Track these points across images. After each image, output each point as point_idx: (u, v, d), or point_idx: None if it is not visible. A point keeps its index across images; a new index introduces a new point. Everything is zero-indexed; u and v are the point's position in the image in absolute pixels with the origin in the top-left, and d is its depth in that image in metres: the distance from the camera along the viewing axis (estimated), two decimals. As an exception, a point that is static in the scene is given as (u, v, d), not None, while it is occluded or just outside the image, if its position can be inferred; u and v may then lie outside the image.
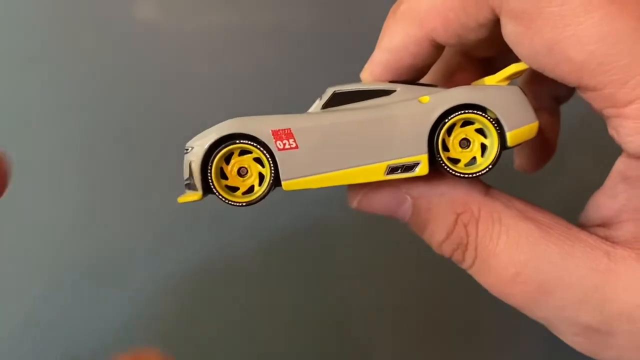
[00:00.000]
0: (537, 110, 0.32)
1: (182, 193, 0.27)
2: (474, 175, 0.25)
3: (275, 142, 0.25)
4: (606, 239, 0.24)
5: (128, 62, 0.50)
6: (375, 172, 0.25)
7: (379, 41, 0.28)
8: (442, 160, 0.25)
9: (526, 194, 0.31)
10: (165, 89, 0.50)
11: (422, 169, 0.25)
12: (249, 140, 0.25)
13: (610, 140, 0.25)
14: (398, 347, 0.51)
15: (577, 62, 0.23)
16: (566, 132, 0.35)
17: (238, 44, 0.51)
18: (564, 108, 0.34)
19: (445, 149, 0.26)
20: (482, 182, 0.27)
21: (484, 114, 0.25)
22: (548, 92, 0.33)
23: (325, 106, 0.27)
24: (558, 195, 0.35)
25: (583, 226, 0.26)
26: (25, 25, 0.49)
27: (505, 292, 0.25)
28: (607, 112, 0.24)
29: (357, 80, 0.29)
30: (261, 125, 0.25)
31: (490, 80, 0.27)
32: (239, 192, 0.26)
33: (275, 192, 0.26)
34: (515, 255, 0.25)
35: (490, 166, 0.26)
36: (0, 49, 0.48)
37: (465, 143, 0.26)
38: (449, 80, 0.32)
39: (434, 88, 0.27)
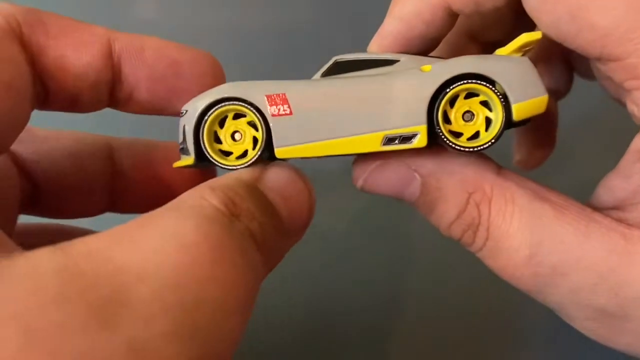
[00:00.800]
0: None
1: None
2: (474, 149, 0.24)
3: (270, 107, 0.24)
4: (620, 221, 0.23)
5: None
6: (372, 142, 0.24)
7: (389, 10, 0.27)
8: (441, 132, 0.24)
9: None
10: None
11: (421, 141, 0.24)
12: (243, 102, 0.24)
13: (616, 133, 0.25)
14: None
15: (602, 29, 0.22)
16: (569, 124, 0.35)
17: (238, 44, 0.50)
18: (567, 102, 0.34)
19: (448, 121, 0.24)
20: (493, 162, 0.26)
21: (488, 85, 0.24)
22: (546, 85, 0.32)
23: (325, 74, 0.25)
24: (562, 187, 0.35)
25: (595, 209, 0.25)
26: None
27: (517, 275, 0.24)
28: (629, 84, 0.23)
29: None
30: (256, 89, 0.24)
31: (500, 52, 0.25)
32: (232, 157, 0.25)
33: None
34: (529, 235, 0.23)
35: (492, 140, 0.24)
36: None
37: (468, 116, 0.25)
38: None
39: (436, 58, 0.26)
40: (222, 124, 0.25)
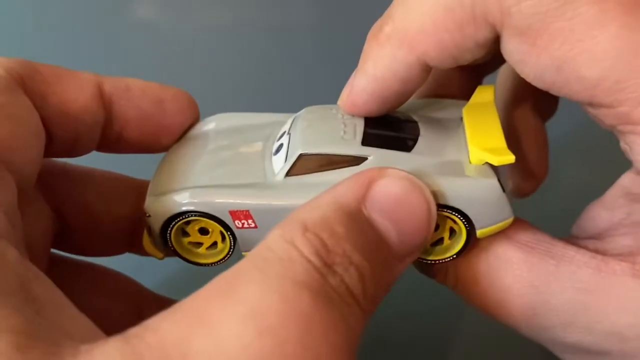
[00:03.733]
0: (524, 131, 0.31)
1: None
2: (436, 262, 0.24)
3: (234, 221, 0.23)
4: (596, 251, 0.23)
5: (128, 61, 0.50)
6: None
7: (360, 66, 0.25)
8: None
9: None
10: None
11: None
12: (205, 216, 0.24)
13: (603, 149, 0.25)
14: None
15: (591, 80, 0.21)
16: (556, 141, 0.35)
17: (238, 44, 0.51)
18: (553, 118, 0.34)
19: None
20: None
21: (454, 213, 0.23)
22: (532, 111, 0.31)
23: (289, 172, 0.24)
24: (551, 202, 0.35)
25: (575, 238, 0.25)
26: (25, 26, 0.50)
27: (491, 315, 0.24)
28: (621, 128, 0.22)
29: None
30: (218, 204, 0.23)
31: (473, 153, 0.24)
32: (202, 248, 0.25)
33: None
34: (496, 281, 0.23)
35: (454, 255, 0.24)
36: (1, 49, 0.48)
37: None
38: (439, 93, 0.29)
39: (410, 154, 0.24)
40: (188, 221, 0.24)
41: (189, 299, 0.17)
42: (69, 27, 0.50)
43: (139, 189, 0.29)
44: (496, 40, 0.23)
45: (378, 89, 0.25)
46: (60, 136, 0.25)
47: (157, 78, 0.50)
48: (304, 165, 0.24)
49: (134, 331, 0.16)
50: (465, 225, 0.23)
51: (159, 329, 0.16)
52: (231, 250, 0.24)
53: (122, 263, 0.30)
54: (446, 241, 0.24)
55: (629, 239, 0.23)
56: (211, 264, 0.25)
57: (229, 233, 0.24)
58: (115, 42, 0.50)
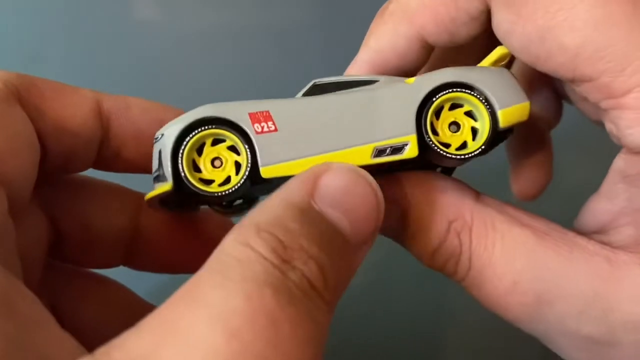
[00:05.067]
0: (529, 138, 0.32)
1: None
2: (466, 156, 0.24)
3: (253, 124, 0.23)
4: (605, 245, 0.23)
5: (127, 62, 0.49)
6: (362, 154, 0.23)
7: (365, 41, 0.27)
8: (431, 140, 0.24)
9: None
10: (164, 88, 0.49)
11: (412, 150, 0.24)
12: (223, 124, 0.23)
13: (605, 147, 0.24)
14: None
15: (571, 49, 0.22)
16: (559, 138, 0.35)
17: (238, 44, 0.51)
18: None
19: (435, 133, 0.24)
20: (471, 188, 0.25)
21: (473, 93, 0.24)
22: (537, 119, 0.32)
23: (306, 95, 0.25)
24: (551, 202, 0.35)
25: (579, 233, 0.24)
26: (25, 25, 0.50)
27: (502, 305, 0.23)
28: (605, 103, 0.23)
29: None
30: (237, 109, 0.23)
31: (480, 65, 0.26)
32: (214, 184, 0.24)
33: None
34: (511, 263, 0.23)
35: (482, 146, 0.24)
36: (1, 49, 0.48)
37: (454, 127, 0.25)
38: None
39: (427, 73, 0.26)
40: (199, 151, 0.24)
41: (154, 312, 0.17)
42: (69, 27, 0.50)
43: (138, 200, 0.29)
44: (488, 17, 0.24)
45: (378, 62, 0.26)
46: (55, 151, 0.24)
47: (156, 78, 0.50)
48: (319, 90, 0.25)
49: (102, 349, 0.16)
50: (485, 106, 0.24)
51: (124, 345, 0.16)
52: (248, 167, 0.23)
53: (117, 272, 0.30)
54: (470, 143, 0.24)
55: (632, 229, 0.23)
56: (222, 192, 0.23)
57: (246, 147, 0.23)
58: (115, 42, 0.50)
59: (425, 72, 0.28)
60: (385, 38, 0.26)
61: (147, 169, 0.26)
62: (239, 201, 0.28)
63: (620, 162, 0.24)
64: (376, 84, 0.25)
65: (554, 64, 0.23)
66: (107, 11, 0.50)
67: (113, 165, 0.27)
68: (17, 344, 0.16)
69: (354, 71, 0.27)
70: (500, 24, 0.24)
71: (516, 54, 0.24)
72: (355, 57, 0.27)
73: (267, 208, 0.20)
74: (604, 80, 0.22)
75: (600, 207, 0.24)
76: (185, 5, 0.51)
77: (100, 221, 0.28)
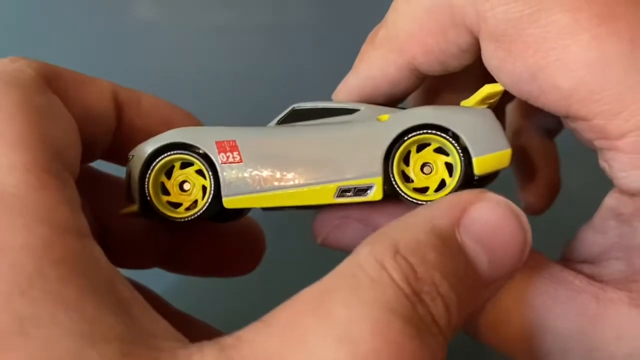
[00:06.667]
0: (534, 149, 0.31)
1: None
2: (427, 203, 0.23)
3: (219, 153, 0.23)
4: (593, 277, 0.22)
5: (127, 62, 0.50)
6: (324, 193, 0.23)
7: (355, 66, 0.26)
8: (396, 183, 0.23)
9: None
10: (165, 89, 0.50)
11: (376, 194, 0.23)
12: (190, 150, 0.23)
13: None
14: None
15: (565, 90, 0.21)
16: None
17: (238, 44, 0.51)
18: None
19: (408, 180, 0.23)
20: None
21: (445, 136, 0.23)
22: (539, 125, 0.31)
23: (281, 122, 0.25)
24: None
25: (568, 261, 0.24)
26: (25, 25, 0.50)
27: (487, 339, 0.23)
28: (599, 143, 0.22)
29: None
30: (205, 136, 0.23)
31: (464, 104, 0.24)
32: (181, 208, 0.24)
33: None
34: (496, 301, 0.22)
35: (455, 189, 0.23)
36: (1, 49, 0.49)
37: (428, 169, 0.24)
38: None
39: (397, 109, 0.25)
40: (169, 174, 0.24)
41: (279, 310, 0.17)
42: (69, 27, 0.50)
43: None
44: (480, 47, 0.23)
45: (369, 89, 0.25)
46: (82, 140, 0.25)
47: (156, 78, 0.50)
48: (297, 116, 0.24)
49: (228, 342, 0.16)
50: (458, 152, 0.23)
51: (253, 341, 0.16)
52: (211, 195, 0.23)
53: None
54: (448, 180, 0.23)
55: (622, 264, 0.22)
56: (185, 217, 0.24)
57: (211, 175, 0.23)
58: (115, 42, 0.50)
59: (417, 97, 0.29)
60: (376, 66, 0.25)
61: None
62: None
63: (612, 200, 0.23)
64: (356, 113, 0.24)
65: (547, 101, 0.22)
66: (107, 11, 0.50)
67: (119, 157, 0.27)
68: (133, 328, 0.16)
69: (343, 95, 0.26)
70: (490, 60, 0.23)
71: (507, 89, 0.23)
72: (345, 79, 0.26)
73: (410, 226, 0.19)
74: (599, 122, 0.21)
75: (591, 239, 0.24)
76: (186, 5, 0.51)
77: (142, 222, 0.28)
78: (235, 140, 0.23)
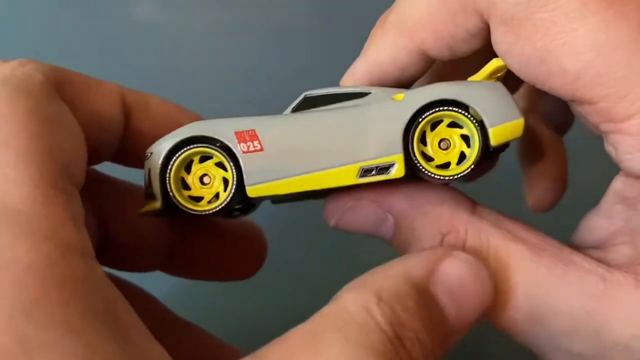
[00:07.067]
0: (542, 146, 0.31)
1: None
2: (453, 178, 0.23)
3: (239, 143, 0.23)
4: (600, 261, 0.23)
5: (128, 62, 0.50)
6: (347, 174, 0.23)
7: (364, 50, 0.26)
8: (417, 161, 0.23)
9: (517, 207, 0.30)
10: (165, 89, 0.50)
11: (398, 171, 0.23)
12: (209, 143, 0.23)
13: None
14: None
15: (572, 73, 0.21)
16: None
17: (238, 44, 0.51)
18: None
19: (428, 159, 0.24)
20: (469, 199, 0.25)
21: (461, 111, 0.24)
22: (549, 126, 0.31)
23: (295, 109, 0.25)
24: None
25: (576, 247, 0.24)
26: (25, 25, 0.50)
27: (495, 319, 0.23)
28: (604, 127, 0.22)
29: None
30: (223, 127, 0.23)
31: (472, 79, 0.25)
32: (204, 202, 0.24)
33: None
34: (504, 279, 0.23)
35: (472, 166, 0.24)
36: (1, 49, 0.48)
37: (445, 144, 0.24)
38: None
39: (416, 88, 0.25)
40: (188, 168, 0.24)
41: (272, 347, 0.18)
42: (68, 27, 0.50)
43: None
44: (489, 32, 0.24)
45: (377, 73, 0.26)
46: (87, 143, 0.24)
47: (156, 78, 0.50)
48: (310, 103, 0.25)
49: None
50: (475, 125, 0.23)
51: None
52: (234, 186, 0.23)
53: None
54: (453, 165, 0.24)
55: (629, 248, 0.23)
56: (210, 210, 0.24)
57: (232, 166, 0.23)
58: (115, 42, 0.50)
59: (424, 82, 0.28)
60: (385, 50, 0.25)
61: None
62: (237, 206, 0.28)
63: (618, 184, 0.24)
64: (368, 96, 0.25)
65: (554, 85, 0.22)
66: (108, 11, 0.50)
67: (128, 160, 0.27)
68: (129, 352, 0.17)
69: (351, 80, 0.27)
70: (499, 44, 0.23)
71: (515, 73, 0.24)
72: (353, 64, 0.27)
73: (389, 276, 0.21)
74: (604, 105, 0.21)
75: (598, 224, 0.24)
76: (186, 5, 0.51)
77: (145, 225, 0.28)
78: (254, 130, 0.23)
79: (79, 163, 0.21)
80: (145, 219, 0.28)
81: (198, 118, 0.27)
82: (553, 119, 0.31)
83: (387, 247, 0.26)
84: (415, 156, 0.24)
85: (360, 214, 0.25)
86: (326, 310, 0.19)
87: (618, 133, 0.22)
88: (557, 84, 0.22)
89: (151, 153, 0.24)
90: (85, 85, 0.24)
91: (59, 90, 0.22)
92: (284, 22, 0.51)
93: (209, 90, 0.51)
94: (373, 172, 0.23)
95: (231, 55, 0.51)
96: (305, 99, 0.25)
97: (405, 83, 0.26)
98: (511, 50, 0.23)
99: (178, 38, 0.51)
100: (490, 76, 0.24)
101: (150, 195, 0.24)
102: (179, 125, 0.25)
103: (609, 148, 0.23)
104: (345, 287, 0.21)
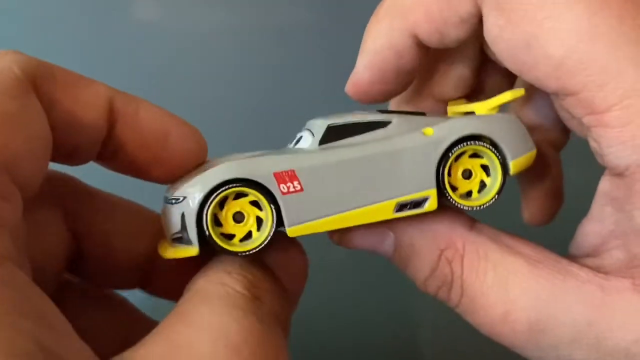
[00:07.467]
0: (538, 162, 0.31)
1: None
2: (480, 207, 0.25)
3: (279, 185, 0.23)
4: (597, 269, 0.23)
5: (128, 62, 0.50)
6: (384, 210, 0.24)
7: (362, 44, 0.27)
8: (449, 194, 0.25)
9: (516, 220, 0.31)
10: (165, 89, 0.49)
11: (431, 204, 0.24)
12: (248, 184, 0.23)
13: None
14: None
15: (555, 59, 0.22)
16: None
17: (238, 44, 0.50)
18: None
19: (454, 189, 0.25)
20: (466, 216, 0.26)
21: (487, 145, 0.25)
22: (545, 142, 0.31)
23: (322, 142, 0.25)
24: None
25: (574, 257, 0.25)
26: (25, 25, 0.49)
27: (496, 332, 0.24)
28: (587, 120, 0.23)
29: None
30: (261, 168, 0.23)
31: (480, 108, 0.27)
32: (235, 239, 0.24)
33: None
34: (503, 293, 0.23)
35: (496, 196, 0.25)
36: (1, 49, 0.48)
37: (466, 173, 0.26)
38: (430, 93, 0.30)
39: (426, 117, 0.26)
40: (221, 204, 0.23)
41: (154, 331, 0.19)
42: (69, 27, 0.50)
43: (157, 224, 0.27)
44: (478, 23, 0.24)
45: (377, 64, 0.26)
46: (62, 144, 0.23)
47: (156, 77, 0.50)
48: (334, 134, 0.25)
49: (125, 355, 0.18)
50: (497, 157, 0.25)
51: (145, 354, 0.18)
52: (273, 227, 0.23)
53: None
54: (475, 194, 0.26)
55: (622, 252, 0.23)
56: (248, 251, 0.23)
57: (272, 207, 0.23)
58: (115, 42, 0.49)
59: (418, 84, 0.30)
60: (381, 37, 0.26)
61: (140, 175, 0.26)
62: None
63: (605, 184, 0.24)
64: (389, 126, 0.25)
65: (539, 73, 0.23)
66: (108, 11, 0.49)
67: (111, 163, 0.26)
68: (48, 352, 0.16)
69: (354, 81, 0.27)
70: (490, 29, 0.24)
71: (503, 61, 0.24)
72: (355, 68, 0.27)
73: (225, 261, 0.23)
74: (586, 95, 0.22)
75: (590, 230, 0.25)
76: (186, 5, 0.50)
77: (121, 243, 0.28)
78: (293, 170, 0.23)
79: (31, 164, 0.20)
80: (120, 238, 0.27)
81: (188, 128, 0.26)
82: (549, 136, 0.31)
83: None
84: (446, 189, 0.25)
85: (362, 231, 0.26)
86: (182, 300, 0.21)
87: (600, 126, 0.22)
88: (542, 71, 0.23)
89: (183, 197, 0.23)
90: (70, 84, 0.23)
91: (39, 86, 0.22)
92: (284, 23, 0.50)
93: (209, 90, 0.50)
94: (408, 207, 0.24)
95: (231, 56, 0.51)
96: (329, 129, 0.25)
97: (405, 75, 0.27)
98: (501, 35, 0.23)
99: (178, 39, 0.50)
100: (495, 107, 0.26)
101: (182, 240, 0.23)
102: (166, 136, 0.24)
103: (593, 145, 0.23)
104: (192, 279, 0.23)
